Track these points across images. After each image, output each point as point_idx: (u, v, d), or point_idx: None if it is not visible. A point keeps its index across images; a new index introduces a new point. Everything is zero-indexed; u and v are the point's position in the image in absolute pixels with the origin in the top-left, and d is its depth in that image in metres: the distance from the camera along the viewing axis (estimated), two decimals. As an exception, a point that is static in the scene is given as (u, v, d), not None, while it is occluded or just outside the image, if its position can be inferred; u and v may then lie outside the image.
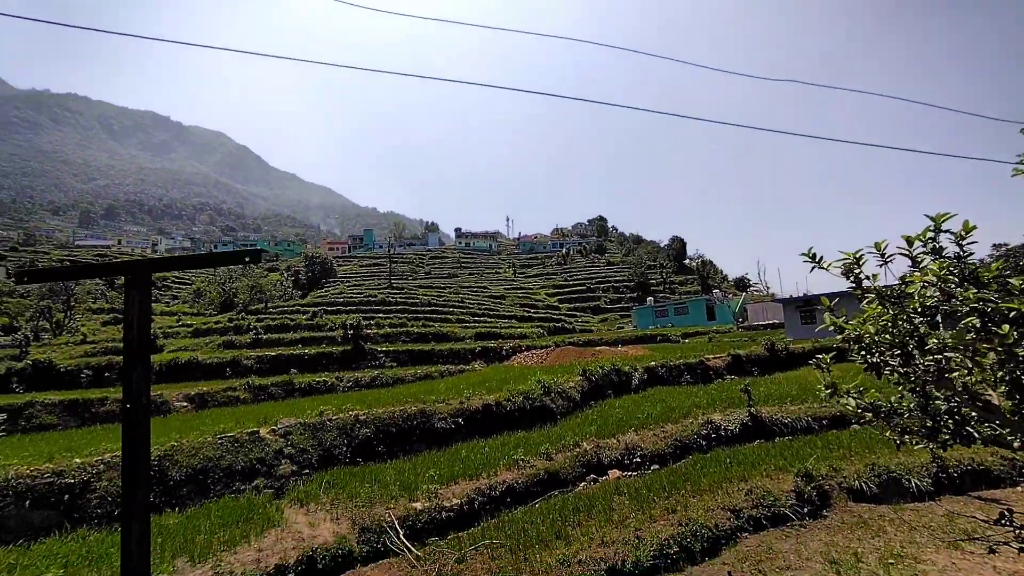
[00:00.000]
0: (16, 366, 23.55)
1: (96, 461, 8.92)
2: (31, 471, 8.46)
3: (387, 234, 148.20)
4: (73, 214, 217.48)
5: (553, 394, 15.57)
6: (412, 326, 34.23)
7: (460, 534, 8.34)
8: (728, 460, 10.05)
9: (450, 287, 64.07)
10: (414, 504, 9.04)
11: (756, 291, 75.47)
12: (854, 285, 4.32)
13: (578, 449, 11.45)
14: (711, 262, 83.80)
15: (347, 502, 9.20)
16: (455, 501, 9.23)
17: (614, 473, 10.62)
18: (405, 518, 8.58)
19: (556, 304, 63.75)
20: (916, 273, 3.96)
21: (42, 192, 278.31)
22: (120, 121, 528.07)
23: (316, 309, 40.14)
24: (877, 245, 4.12)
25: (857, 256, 4.22)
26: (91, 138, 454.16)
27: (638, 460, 11.05)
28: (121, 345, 24.29)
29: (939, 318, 3.91)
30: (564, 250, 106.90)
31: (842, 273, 4.30)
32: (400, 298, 46.98)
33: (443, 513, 8.89)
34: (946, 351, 3.72)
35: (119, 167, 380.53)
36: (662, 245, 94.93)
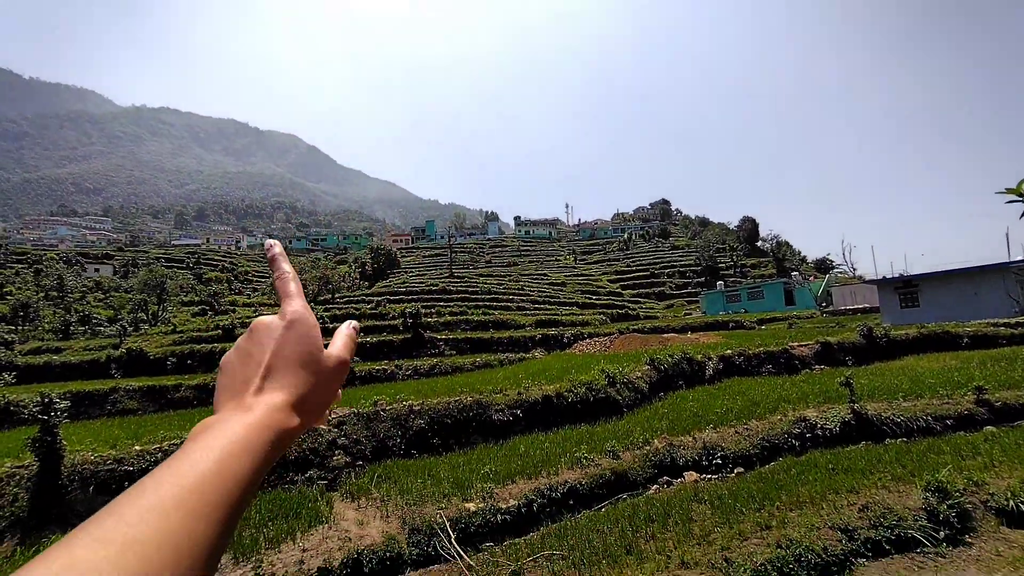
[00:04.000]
0: (114, 354, 25.60)
1: (154, 449, 8.97)
2: (95, 458, 8.62)
3: (448, 225, 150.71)
4: (169, 217, 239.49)
5: (619, 385, 14.40)
6: (472, 314, 33.98)
7: (517, 540, 7.54)
8: (830, 465, 8.53)
9: (510, 275, 63.63)
10: (467, 504, 8.35)
11: (840, 272, 68.89)
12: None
13: (648, 447, 10.30)
14: (787, 243, 77.32)
15: (398, 498, 8.69)
16: (512, 502, 8.44)
17: (691, 476, 9.40)
18: (458, 520, 7.91)
19: (618, 290, 61.57)
20: None
21: (144, 198, 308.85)
22: (205, 130, 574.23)
23: (380, 298, 41.01)
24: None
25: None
26: (182, 147, 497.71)
27: (718, 461, 9.73)
28: (204, 334, 25.64)
29: None
30: (625, 235, 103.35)
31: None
32: (461, 286, 47.09)
33: (498, 516, 8.12)
34: None
35: (207, 172, 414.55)
36: (731, 227, 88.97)
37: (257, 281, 74.68)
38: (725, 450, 9.98)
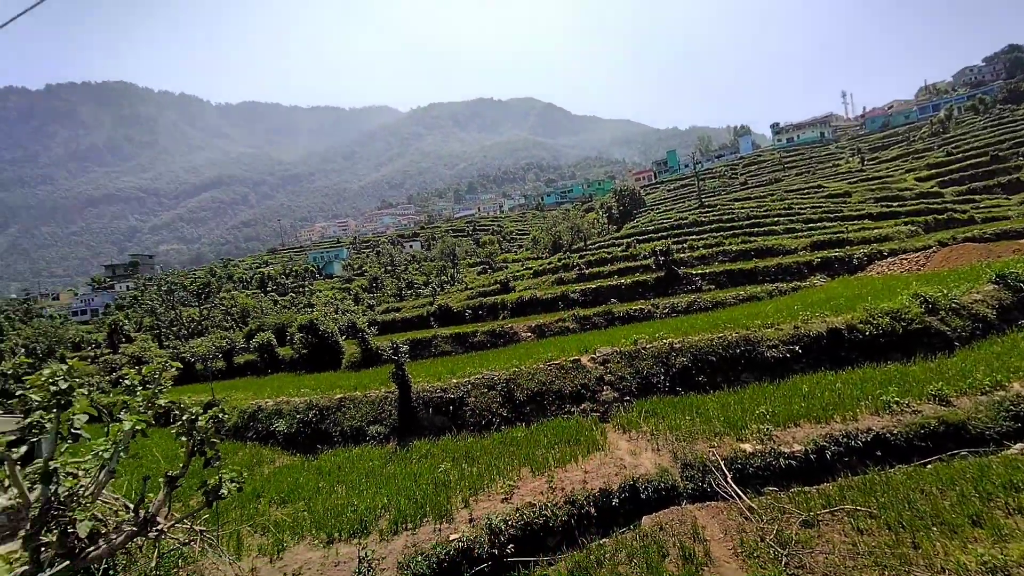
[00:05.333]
0: (431, 309, 33.01)
1: (465, 382, 11.35)
2: (429, 387, 11.47)
3: (692, 151, 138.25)
4: (449, 195, 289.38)
5: (944, 312, 11.13)
6: (729, 244, 30.88)
7: (807, 489, 6.80)
8: None
9: (772, 193, 54.80)
10: (742, 445, 7.92)
11: None
12: None
13: (1002, 392, 7.73)
14: None
15: (667, 433, 8.86)
16: (796, 447, 7.61)
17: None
18: (732, 459, 7.60)
19: (934, 189, 46.17)
20: None
21: (431, 183, 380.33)
22: (463, 113, 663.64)
23: (629, 240, 41.11)
24: None
25: None
26: (448, 134, 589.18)
27: None
28: (487, 289, 30.57)
29: None
30: (942, 113, 75.65)
31: None
32: (713, 216, 43.11)
33: (780, 459, 7.45)
34: None
35: (468, 151, 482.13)
36: None
37: (520, 238, 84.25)
38: None
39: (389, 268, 71.53)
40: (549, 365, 12.09)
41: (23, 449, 5.94)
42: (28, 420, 6.01)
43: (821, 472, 7.24)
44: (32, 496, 5.31)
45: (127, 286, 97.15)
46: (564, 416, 10.93)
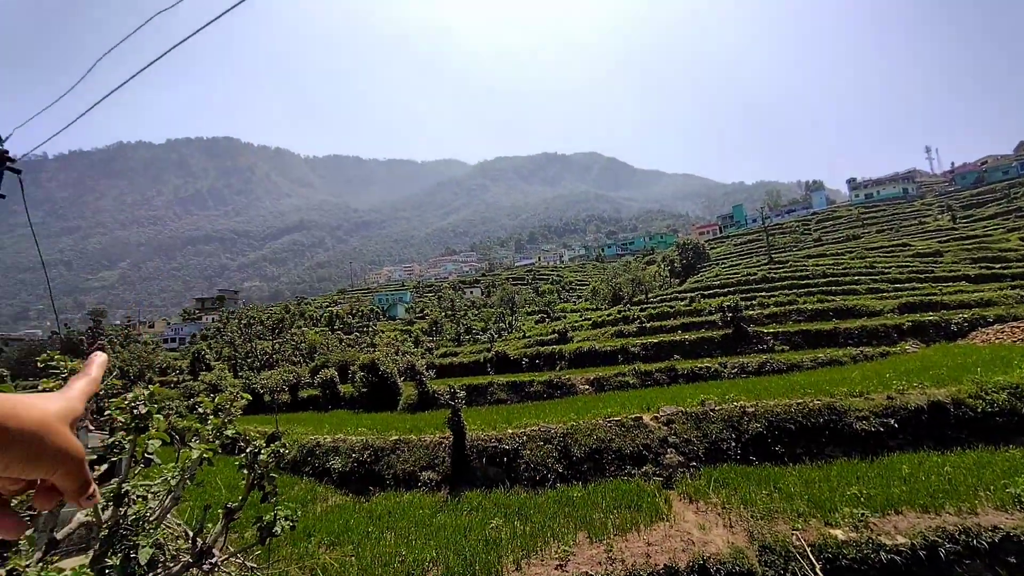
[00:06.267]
0: (487, 355, 33.02)
1: (520, 433, 10.99)
2: (484, 436, 11.19)
3: (760, 205, 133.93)
4: (511, 244, 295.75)
5: (1080, 392, 9.58)
6: (804, 302, 28.91)
7: (917, 592, 5.81)
8: None
9: (851, 251, 51.42)
10: (832, 531, 6.97)
11: None
12: None
13: None
14: None
15: (740, 508, 8.01)
16: (900, 539, 6.59)
17: None
18: (821, 547, 6.68)
19: (1051, 250, 41.30)
20: None
21: (493, 232, 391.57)
22: (527, 167, 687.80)
23: (693, 294, 39.68)
24: None
25: None
26: (512, 186, 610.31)
27: None
28: (544, 338, 30.33)
29: None
30: (1056, 166, 69.00)
31: None
32: (784, 273, 40.88)
33: (881, 552, 6.46)
34: None
35: (531, 203, 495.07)
36: None
37: (580, 289, 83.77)
38: None
39: (449, 312, 73.02)
40: (608, 421, 11.50)
41: (104, 467, 6.29)
42: (111, 440, 6.40)
43: (933, 574, 6.18)
44: (104, 515, 5.54)
45: (212, 318, 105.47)
46: (624, 478, 10.22)
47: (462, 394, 11.56)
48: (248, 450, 6.40)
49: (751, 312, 26.84)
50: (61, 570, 5.54)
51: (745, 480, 9.06)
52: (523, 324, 55.13)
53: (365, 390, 24.54)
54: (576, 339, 33.66)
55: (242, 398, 7.92)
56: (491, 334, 44.86)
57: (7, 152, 6.68)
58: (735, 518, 7.77)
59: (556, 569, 7.02)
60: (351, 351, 42.21)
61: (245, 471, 6.26)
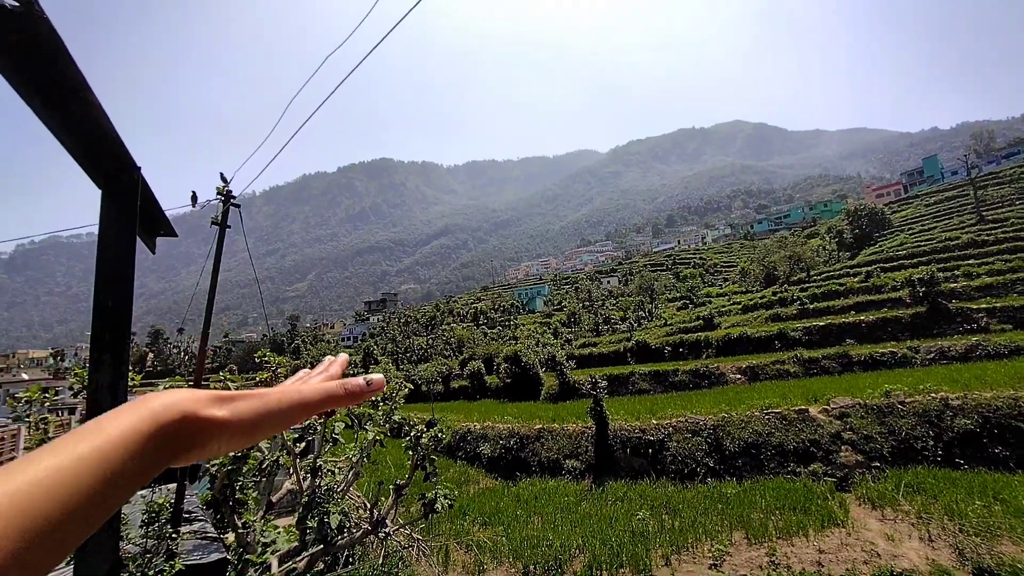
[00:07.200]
0: (627, 345, 32.23)
1: (666, 424, 10.52)
2: (627, 426, 10.96)
3: (965, 152, 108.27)
4: (648, 229, 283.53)
5: None
6: (1037, 270, 22.71)
7: None
8: None
9: (1116, 197, 38.83)
10: (1087, 557, 5.40)
11: None
12: None
13: None
14: None
15: (944, 520, 6.64)
16: None
17: None
18: (1068, 576, 5.22)
19: None
20: None
21: (628, 218, 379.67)
22: (662, 146, 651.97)
23: (870, 268, 33.82)
24: None
25: None
26: (647, 168, 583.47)
27: None
28: (688, 325, 28.85)
29: None
30: None
31: None
32: (1002, 234, 32.53)
33: None
34: None
35: (668, 183, 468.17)
36: None
37: (727, 271, 77.06)
38: None
39: (587, 303, 72.82)
40: (766, 414, 10.40)
41: (302, 445, 7.60)
42: (307, 422, 7.73)
43: None
44: (304, 485, 6.71)
45: (378, 319, 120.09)
46: (787, 476, 9.18)
47: (603, 383, 11.46)
48: (411, 434, 7.22)
49: (952, 285, 22.07)
50: (276, 527, 6.87)
51: (950, 487, 7.49)
52: (664, 311, 52.66)
53: (509, 380, 25.75)
54: (724, 325, 31.15)
55: (405, 387, 8.92)
56: (630, 323, 43.64)
57: (231, 192, 8.39)
58: (936, 531, 6.48)
59: (710, 568, 6.59)
60: (495, 344, 44.59)
61: (410, 452, 7.08)
